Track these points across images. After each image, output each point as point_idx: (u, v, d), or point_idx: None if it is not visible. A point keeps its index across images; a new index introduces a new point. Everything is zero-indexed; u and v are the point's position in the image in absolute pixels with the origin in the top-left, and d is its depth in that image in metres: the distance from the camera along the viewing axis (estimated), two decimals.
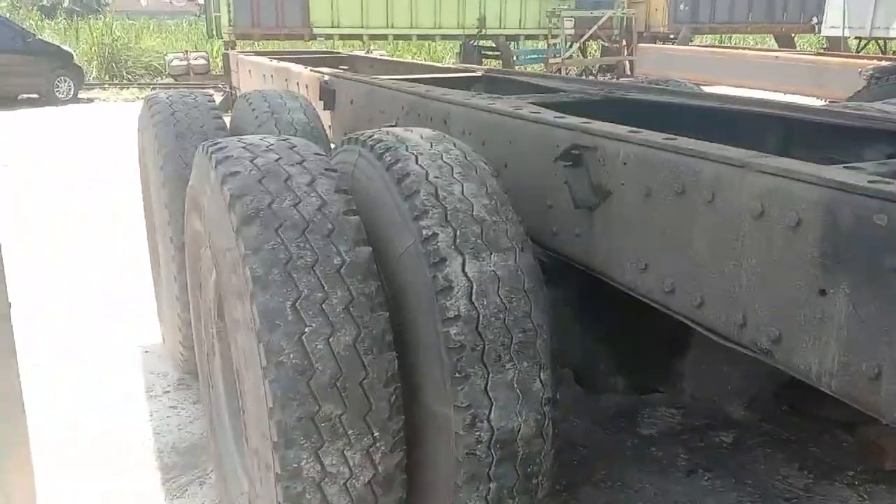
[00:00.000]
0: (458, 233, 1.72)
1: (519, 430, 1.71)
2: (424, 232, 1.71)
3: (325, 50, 10.28)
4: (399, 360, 1.66)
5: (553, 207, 2.19)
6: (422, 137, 2.00)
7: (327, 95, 4.07)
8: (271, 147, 1.84)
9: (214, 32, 16.55)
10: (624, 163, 1.88)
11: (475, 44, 19.09)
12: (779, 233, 1.46)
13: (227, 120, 3.46)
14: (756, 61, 7.07)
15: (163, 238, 3.00)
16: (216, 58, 18.32)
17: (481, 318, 1.67)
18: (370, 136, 2.01)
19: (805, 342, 1.44)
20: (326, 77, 4.09)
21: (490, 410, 1.67)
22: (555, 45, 18.60)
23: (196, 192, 1.98)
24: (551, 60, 18.40)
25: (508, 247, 1.76)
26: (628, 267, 1.91)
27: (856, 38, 16.51)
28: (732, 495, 2.67)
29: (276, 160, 1.77)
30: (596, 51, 22.04)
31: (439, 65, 6.30)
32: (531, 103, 2.76)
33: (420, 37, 18.59)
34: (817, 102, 6.08)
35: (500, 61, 19.49)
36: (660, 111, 3.00)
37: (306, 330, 1.54)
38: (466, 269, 1.69)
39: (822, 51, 12.46)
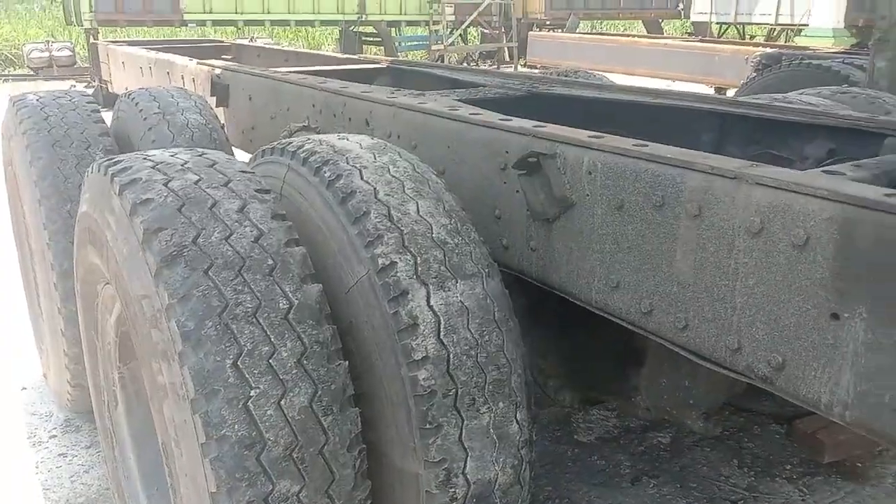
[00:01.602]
0: (418, 260, 1.50)
1: (496, 481, 1.52)
2: (381, 261, 1.48)
3: (203, 38, 9.61)
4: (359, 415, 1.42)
5: (502, 219, 2.00)
6: (361, 147, 1.75)
7: (220, 91, 3.70)
8: (187, 165, 1.53)
9: (73, 19, 15.19)
10: (589, 172, 1.71)
11: (355, 30, 18.66)
12: (782, 251, 1.34)
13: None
14: (647, 49, 7.20)
15: (41, 263, 2.57)
16: (80, 47, 16.92)
17: (452, 357, 1.46)
18: (301, 147, 1.74)
19: (814, 370, 1.32)
20: (218, 70, 3.71)
21: (465, 463, 1.47)
22: (436, 31, 18.46)
23: (91, 221, 1.63)
24: (434, 47, 18.28)
25: (475, 272, 1.56)
26: (596, 285, 1.75)
27: (720, 23, 17.41)
28: (681, 502, 2.61)
29: (196, 182, 1.47)
30: (476, 37, 22.10)
31: (336, 55, 5.97)
32: (459, 100, 2.56)
33: (298, 23, 17.92)
34: (708, 90, 6.24)
35: (382, 48, 19.18)
36: (587, 106, 2.88)
37: (252, 393, 1.27)
38: (432, 302, 1.47)
39: (693, 36, 12.99)
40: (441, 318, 1.46)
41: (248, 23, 17.16)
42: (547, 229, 1.85)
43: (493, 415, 1.50)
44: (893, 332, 1.20)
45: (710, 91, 6.57)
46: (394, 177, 1.63)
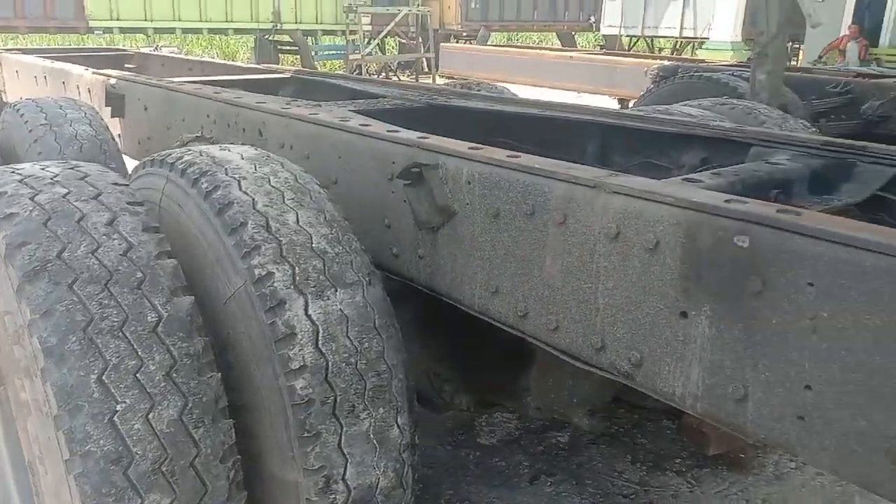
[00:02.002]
0: (297, 269, 1.51)
1: (377, 485, 1.55)
2: (257, 271, 1.49)
3: (106, 47, 9.29)
4: (236, 426, 1.42)
5: (392, 227, 2.04)
6: (242, 158, 1.75)
7: (115, 101, 3.61)
8: (56, 178, 1.51)
9: None
10: (468, 182, 1.77)
11: (271, 39, 18.42)
12: (636, 255, 1.42)
13: None
14: (554, 61, 7.42)
15: None
16: None
17: (331, 365, 1.48)
18: (179, 158, 1.73)
19: (668, 365, 1.41)
20: (113, 80, 3.62)
21: (345, 469, 1.49)
22: (353, 41, 18.42)
23: None
24: (351, 56, 18.21)
25: (355, 281, 1.59)
26: (478, 291, 1.81)
27: (629, 35, 18.06)
28: (576, 499, 2.70)
29: (65, 195, 1.45)
30: (394, 48, 22.17)
31: (241, 65, 5.89)
32: (354, 111, 2.59)
33: (211, 31, 17.56)
34: (611, 100, 6.46)
35: (299, 57, 18.99)
36: (482, 118, 2.95)
37: (118, 408, 1.26)
38: (310, 312, 1.49)
39: (604, 49, 13.43)
40: (319, 327, 1.48)
41: (157, 30, 16.69)
42: (432, 238, 1.90)
43: (373, 420, 1.53)
44: (734, 329, 1.30)
45: (614, 102, 6.82)
46: (274, 187, 1.65)
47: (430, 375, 2.40)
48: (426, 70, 19.87)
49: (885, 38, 13.80)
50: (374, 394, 1.53)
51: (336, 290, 1.53)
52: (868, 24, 13.92)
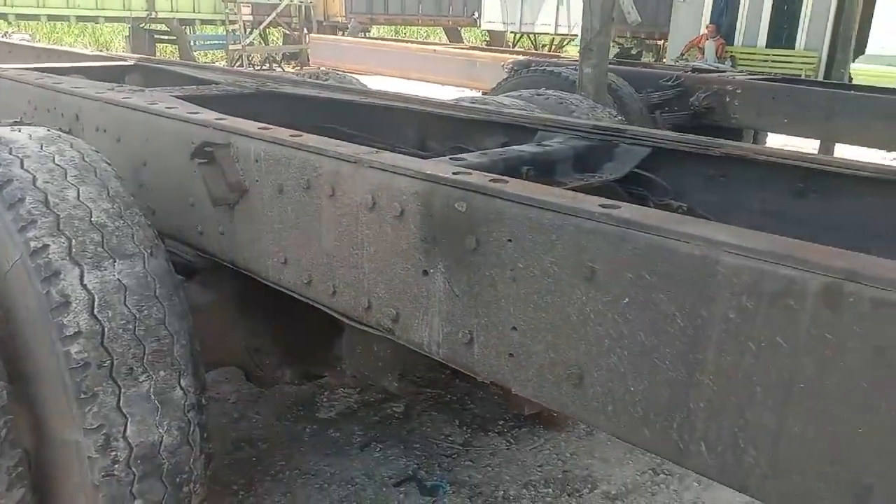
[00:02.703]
0: (73, 242, 1.60)
1: (161, 442, 1.66)
2: (33, 244, 1.56)
3: None
4: (20, 391, 1.50)
5: (196, 206, 2.13)
6: (31, 138, 1.81)
7: None
8: None
9: None
10: (256, 160, 1.89)
11: (146, 28, 17.78)
12: (388, 222, 1.60)
13: None
14: (418, 54, 7.62)
15: None
16: None
17: (107, 331, 1.58)
18: None
19: (417, 318, 1.59)
20: None
21: (125, 427, 1.60)
22: (234, 31, 18.05)
23: None
24: (231, 47, 17.85)
25: (135, 252, 1.68)
26: (271, 262, 1.94)
27: (511, 32, 18.58)
28: (402, 461, 2.88)
29: None
30: (278, 38, 21.86)
31: (87, 53, 5.74)
32: (176, 96, 2.65)
33: (79, 18, 16.76)
34: (472, 92, 6.71)
35: (177, 47, 18.41)
36: (311, 105, 3.08)
37: None
38: (85, 281, 1.58)
39: (476, 45, 13.80)
40: (95, 296, 1.57)
41: (20, 17, 15.82)
42: (229, 214, 2.02)
43: (153, 382, 1.64)
44: (460, 282, 1.49)
45: (475, 93, 7.08)
46: (58, 165, 1.72)
47: (252, 351, 2.51)
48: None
49: (739, 38, 14.85)
50: (154, 357, 1.64)
51: (114, 262, 1.63)
52: (724, 24, 14.93)
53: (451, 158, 1.90)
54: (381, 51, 8.22)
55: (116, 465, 1.58)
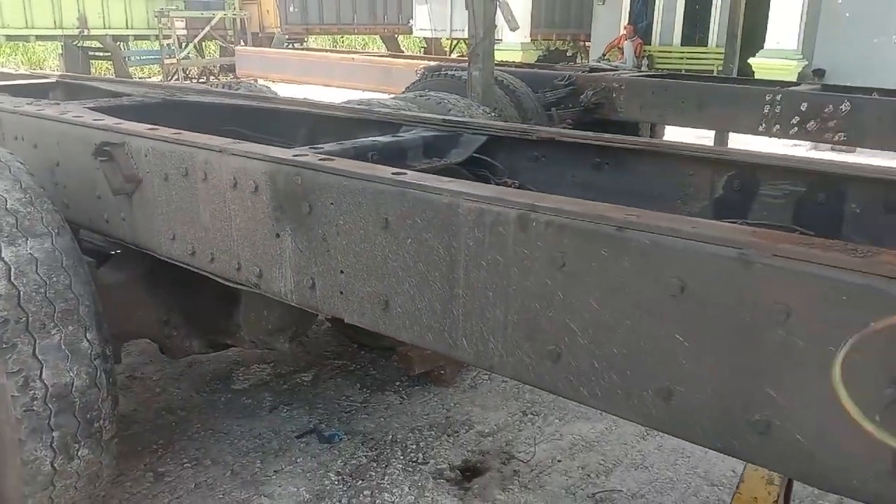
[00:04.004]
0: None
1: (72, 384, 2.05)
2: None
3: None
4: None
5: (101, 198, 2.52)
6: None
7: None
8: None
9: None
10: (146, 155, 2.30)
11: (79, 45, 17.78)
12: (247, 197, 2.02)
13: None
14: (338, 63, 8.04)
15: None
16: None
17: (22, 294, 1.96)
18: None
19: (275, 273, 2.02)
20: None
21: (41, 371, 1.98)
22: (168, 45, 18.17)
23: None
24: (167, 61, 17.98)
25: (44, 232, 2.07)
26: (163, 240, 2.35)
27: (444, 38, 19.11)
28: (305, 419, 3.29)
29: None
30: (215, 51, 22.00)
31: (10, 71, 6.02)
32: (89, 108, 3.02)
33: (9, 38, 16.67)
34: (381, 95, 7.14)
35: (112, 63, 18.44)
36: (213, 111, 3.48)
37: None
38: (3, 255, 1.96)
39: (394, 53, 14.25)
40: (11, 266, 1.96)
41: None
42: (128, 202, 2.42)
43: (63, 335, 2.03)
44: (302, 240, 1.92)
45: (386, 96, 7.55)
46: None
47: (162, 324, 2.90)
48: None
49: (656, 38, 15.65)
50: (62, 315, 2.03)
51: (27, 239, 2.02)
52: (642, 25, 15.72)
53: (310, 148, 2.33)
54: (304, 61, 8.62)
55: (35, 402, 1.97)
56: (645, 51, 15.35)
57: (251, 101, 3.48)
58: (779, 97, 5.23)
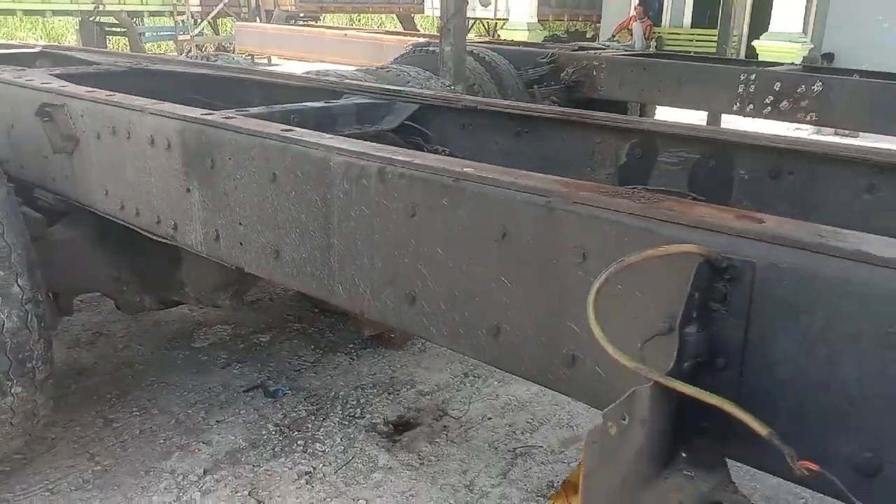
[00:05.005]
0: None
1: (3, 326, 2.21)
2: None
3: None
4: None
5: (48, 158, 2.67)
6: None
7: None
8: None
9: None
10: (82, 115, 2.44)
11: (95, 21, 18.01)
12: (162, 154, 2.15)
13: None
14: (331, 39, 8.16)
15: None
16: None
17: None
18: None
19: (187, 225, 2.16)
20: None
21: None
22: (182, 21, 18.35)
23: None
24: (180, 38, 18.16)
25: None
26: (98, 196, 2.49)
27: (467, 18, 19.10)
28: (254, 375, 3.45)
29: None
30: (231, 28, 22.15)
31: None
32: (55, 75, 3.17)
33: (27, 12, 16.94)
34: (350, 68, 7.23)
35: (128, 39, 18.67)
36: (177, 79, 3.61)
37: None
38: None
39: (388, 30, 14.30)
40: None
41: None
42: (70, 160, 2.57)
43: None
44: (207, 195, 2.05)
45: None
46: None
47: (114, 279, 3.06)
48: None
49: (666, 19, 15.53)
50: None
51: None
52: (652, 6, 15.61)
53: (237, 110, 2.46)
54: (300, 37, 8.74)
55: None
56: (655, 32, 15.25)
57: (213, 71, 3.62)
58: (753, 77, 5.27)
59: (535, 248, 1.38)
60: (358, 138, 2.33)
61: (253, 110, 2.49)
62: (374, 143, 1.69)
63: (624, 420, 1.03)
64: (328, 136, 1.81)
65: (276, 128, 1.88)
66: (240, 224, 1.99)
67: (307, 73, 3.81)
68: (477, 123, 2.71)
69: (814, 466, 0.92)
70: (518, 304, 1.44)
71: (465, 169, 1.49)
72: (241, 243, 2.01)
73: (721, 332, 1.16)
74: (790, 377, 1.11)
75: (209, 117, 2.03)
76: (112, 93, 2.42)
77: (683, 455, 1.17)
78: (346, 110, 2.75)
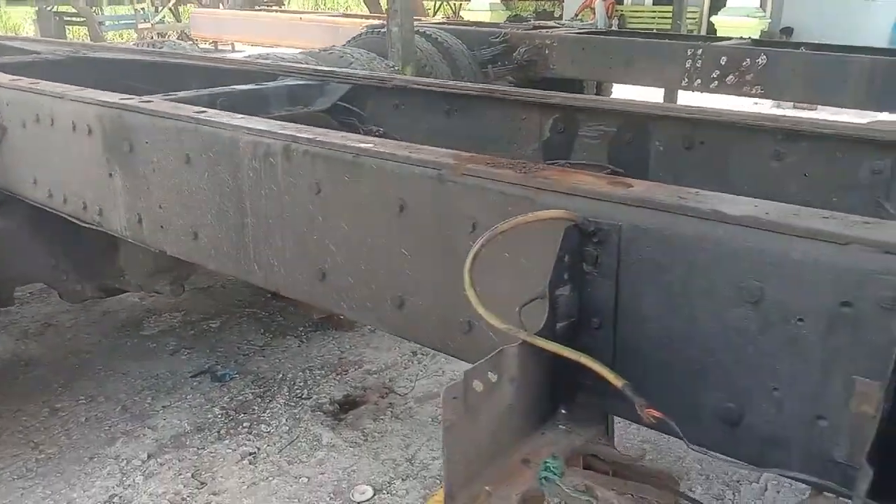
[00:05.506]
0: None
1: None
2: None
3: None
4: None
5: None
6: None
7: None
8: None
9: None
10: (7, 104, 2.43)
11: (53, 10, 17.65)
12: (81, 138, 2.16)
13: None
14: (287, 23, 8.09)
15: None
16: None
17: None
18: None
19: (111, 210, 2.17)
20: None
21: None
22: (142, 9, 18.06)
23: None
24: (141, 26, 17.85)
25: None
26: (27, 185, 2.49)
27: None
28: (202, 360, 3.46)
29: None
30: None
31: None
32: None
33: None
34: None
35: (87, 27, 18.32)
36: (117, 66, 3.58)
37: None
38: None
39: (343, 12, 14.22)
40: None
41: None
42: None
43: None
44: (128, 179, 2.06)
45: None
46: None
47: (52, 268, 3.05)
48: None
49: None
50: None
51: None
52: None
53: (164, 95, 2.46)
54: (255, 21, 8.67)
55: None
56: (617, 10, 15.29)
57: (153, 57, 3.59)
58: (700, 52, 5.33)
59: (430, 220, 1.42)
60: (289, 120, 2.36)
61: (181, 94, 2.49)
62: (280, 122, 1.71)
63: (493, 378, 1.08)
64: (240, 116, 1.82)
65: (188, 110, 1.89)
66: (160, 207, 2.00)
67: (247, 57, 3.80)
68: (410, 103, 2.73)
69: (658, 414, 0.98)
70: (418, 275, 1.47)
71: (363, 144, 1.52)
72: (161, 226, 2.02)
73: (594, 293, 1.20)
74: (659, 333, 1.16)
75: (126, 102, 2.03)
76: (37, 81, 2.41)
77: (563, 411, 1.23)
78: (277, 92, 2.76)
